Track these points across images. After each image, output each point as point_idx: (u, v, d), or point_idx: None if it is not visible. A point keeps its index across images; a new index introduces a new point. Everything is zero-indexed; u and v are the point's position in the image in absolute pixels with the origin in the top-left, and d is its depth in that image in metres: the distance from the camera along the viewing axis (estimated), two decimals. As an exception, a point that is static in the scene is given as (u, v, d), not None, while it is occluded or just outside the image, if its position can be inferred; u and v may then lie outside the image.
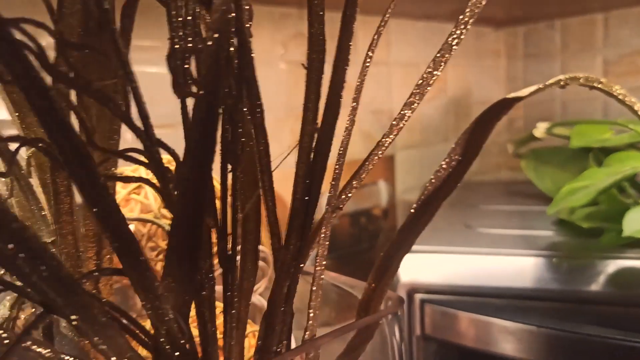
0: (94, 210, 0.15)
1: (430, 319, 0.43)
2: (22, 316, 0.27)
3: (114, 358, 0.16)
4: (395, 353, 0.25)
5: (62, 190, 0.19)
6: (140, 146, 0.16)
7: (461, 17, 0.22)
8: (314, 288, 0.21)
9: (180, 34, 0.16)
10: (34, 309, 0.28)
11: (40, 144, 0.15)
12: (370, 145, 0.23)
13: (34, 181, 0.21)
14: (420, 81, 0.23)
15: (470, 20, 0.23)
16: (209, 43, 0.14)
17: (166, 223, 0.24)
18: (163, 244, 0.25)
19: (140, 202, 0.24)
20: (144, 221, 0.24)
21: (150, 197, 0.24)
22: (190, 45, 0.17)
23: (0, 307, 0.27)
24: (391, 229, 0.84)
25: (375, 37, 0.21)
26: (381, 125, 0.81)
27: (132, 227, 0.29)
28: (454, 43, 0.23)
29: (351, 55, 0.19)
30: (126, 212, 0.24)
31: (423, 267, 0.43)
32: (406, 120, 0.24)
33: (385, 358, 0.25)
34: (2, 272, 0.21)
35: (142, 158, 0.17)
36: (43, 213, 0.21)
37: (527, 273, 0.41)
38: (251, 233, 0.21)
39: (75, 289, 0.15)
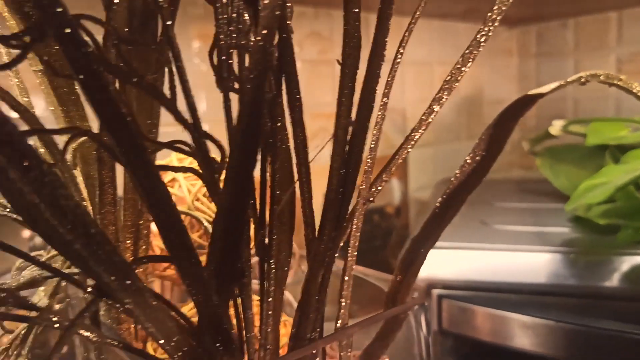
0: (148, 199, 0.15)
1: (447, 313, 0.43)
2: (57, 306, 0.28)
3: (162, 341, 0.17)
4: (422, 343, 0.26)
5: (107, 182, 0.20)
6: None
7: (489, 14, 0.23)
8: (346, 278, 0.22)
9: (226, 30, 0.17)
10: (68, 299, 0.29)
11: (92, 136, 0.16)
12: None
13: (76, 172, 0.22)
14: (449, 77, 0.24)
15: (498, 18, 0.23)
16: (258, 39, 0.15)
17: (200, 215, 0.25)
18: (196, 236, 0.26)
19: (174, 195, 0.25)
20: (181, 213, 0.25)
21: (185, 190, 0.25)
22: (234, 41, 0.17)
23: (35, 297, 0.28)
24: (404, 226, 0.84)
25: (407, 34, 0.22)
26: (394, 123, 0.81)
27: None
28: (482, 40, 0.24)
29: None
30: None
31: (440, 262, 0.44)
32: (434, 116, 0.24)
33: (412, 348, 0.25)
34: (46, 256, 0.22)
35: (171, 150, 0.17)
36: (84, 204, 0.22)
37: (544, 269, 0.41)
38: (285, 224, 0.21)
39: (129, 274, 0.15)
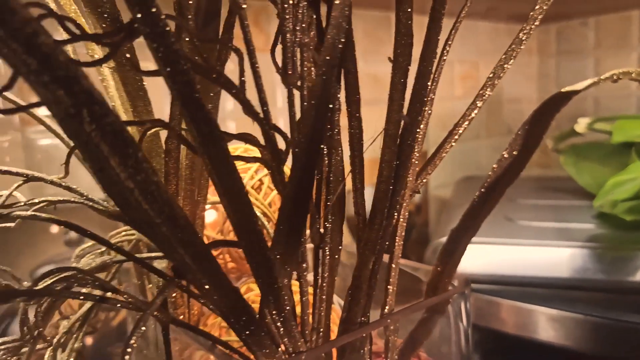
0: (222, 185, 0.17)
1: (474, 307, 0.44)
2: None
3: (232, 319, 0.18)
4: (461, 334, 0.26)
5: (172, 173, 0.21)
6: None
7: (532, 13, 0.24)
8: (393, 265, 0.23)
9: (291, 28, 0.18)
10: (121, 285, 0.30)
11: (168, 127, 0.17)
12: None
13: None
14: (492, 74, 0.25)
15: (540, 17, 0.24)
16: (329, 36, 0.16)
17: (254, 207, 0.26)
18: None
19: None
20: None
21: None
22: (298, 39, 0.18)
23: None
24: (424, 223, 0.85)
25: (453, 31, 0.23)
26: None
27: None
28: (524, 38, 0.24)
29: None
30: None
31: (468, 257, 0.44)
32: (477, 111, 0.25)
33: (456, 336, 0.26)
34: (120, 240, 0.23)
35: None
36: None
37: (570, 263, 0.42)
38: (336, 214, 0.22)
39: (207, 256, 0.16)
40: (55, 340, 0.23)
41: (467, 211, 0.26)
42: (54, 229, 0.58)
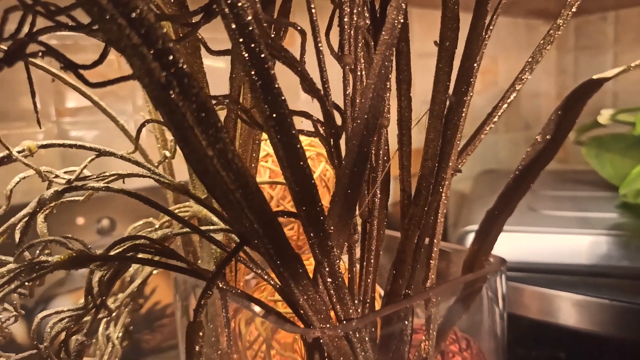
0: (287, 159, 0.18)
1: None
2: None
3: (293, 284, 0.19)
4: (497, 310, 0.28)
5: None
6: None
7: (563, 10, 0.25)
8: (435, 241, 0.24)
9: (348, 11, 0.19)
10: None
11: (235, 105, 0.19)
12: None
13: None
14: (530, 59, 0.26)
15: (572, 11, 0.25)
16: (389, 17, 0.17)
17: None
18: (288, 206, 0.28)
19: (269, 169, 0.28)
20: (275, 183, 0.27)
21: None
22: (354, 22, 0.19)
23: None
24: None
25: (491, 28, 0.24)
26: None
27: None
28: (555, 34, 0.25)
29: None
30: (257, 178, 0.27)
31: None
32: (515, 96, 0.26)
33: (491, 314, 0.27)
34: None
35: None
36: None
37: (595, 251, 0.43)
38: (383, 192, 0.23)
39: (273, 222, 0.18)
40: (114, 307, 0.24)
41: (502, 193, 0.27)
42: (80, 220, 0.60)
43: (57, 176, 0.20)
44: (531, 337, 0.46)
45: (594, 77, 0.25)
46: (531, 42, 0.95)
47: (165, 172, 0.26)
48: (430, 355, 0.24)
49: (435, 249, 0.24)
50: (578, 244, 0.43)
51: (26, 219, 0.19)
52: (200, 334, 0.17)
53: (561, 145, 0.27)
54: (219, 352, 0.27)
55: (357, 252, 0.23)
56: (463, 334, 0.28)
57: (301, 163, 0.18)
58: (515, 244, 0.45)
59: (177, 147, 0.25)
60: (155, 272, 0.30)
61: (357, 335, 0.21)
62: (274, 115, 0.17)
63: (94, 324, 0.24)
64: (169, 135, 0.26)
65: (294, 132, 0.17)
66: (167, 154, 0.25)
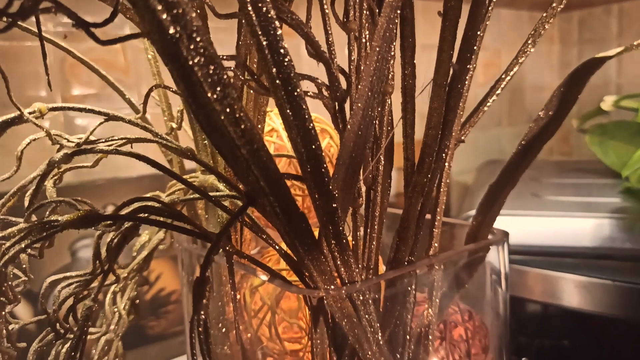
0: (296, 122, 0.18)
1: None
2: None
3: (297, 241, 0.19)
4: (499, 281, 0.28)
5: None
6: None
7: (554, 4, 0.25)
8: (438, 209, 0.24)
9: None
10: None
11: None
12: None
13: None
14: (530, 35, 0.26)
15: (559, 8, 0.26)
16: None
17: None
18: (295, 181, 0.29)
19: (273, 143, 0.28)
20: (280, 156, 0.28)
21: (285, 139, 0.28)
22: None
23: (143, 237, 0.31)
24: (446, 208, 0.86)
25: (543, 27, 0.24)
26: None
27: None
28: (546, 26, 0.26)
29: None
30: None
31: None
32: (512, 75, 0.27)
33: (494, 285, 0.28)
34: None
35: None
36: (205, 141, 0.25)
37: (598, 233, 0.43)
38: (387, 160, 0.24)
39: (279, 180, 0.18)
40: (122, 277, 0.25)
41: (506, 167, 0.28)
42: (85, 207, 0.60)
43: (67, 140, 0.20)
44: (535, 325, 0.46)
45: (597, 55, 0.26)
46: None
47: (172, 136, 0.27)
48: (433, 322, 0.24)
49: (439, 217, 0.25)
50: (581, 226, 0.44)
51: (36, 181, 0.20)
52: (207, 288, 0.17)
53: (563, 121, 0.27)
54: (226, 322, 0.27)
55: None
56: (465, 306, 0.29)
57: (307, 124, 0.18)
58: (518, 227, 0.46)
59: (183, 120, 0.25)
60: (162, 246, 0.31)
61: (361, 297, 0.21)
62: (280, 75, 0.17)
63: (102, 291, 0.24)
64: (175, 108, 0.26)
65: (299, 91, 0.18)
66: (174, 125, 0.25)
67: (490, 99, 0.27)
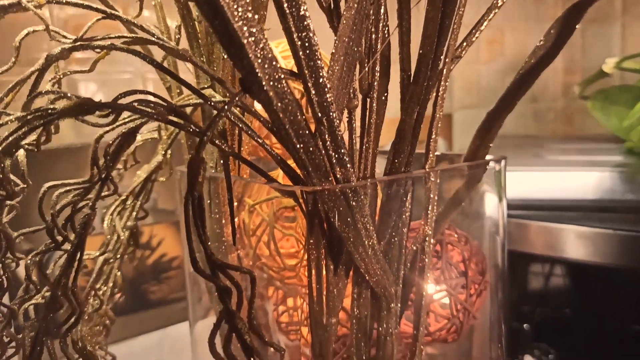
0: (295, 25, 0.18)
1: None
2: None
3: (292, 132, 0.19)
4: (501, 209, 0.28)
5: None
6: None
7: None
8: (437, 115, 0.25)
9: None
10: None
11: None
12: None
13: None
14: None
15: None
16: None
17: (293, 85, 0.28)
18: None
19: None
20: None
21: (280, 61, 0.28)
22: None
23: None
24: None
25: None
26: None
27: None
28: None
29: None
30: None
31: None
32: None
33: (491, 208, 0.28)
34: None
35: None
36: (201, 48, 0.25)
37: (600, 186, 0.43)
38: (383, 65, 0.24)
39: (272, 62, 0.18)
40: (127, 191, 0.25)
41: (504, 95, 0.28)
42: (82, 169, 0.61)
43: (64, 36, 0.21)
44: (536, 295, 0.46)
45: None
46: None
47: (170, 67, 0.27)
48: (429, 236, 0.24)
49: (435, 130, 0.25)
50: (582, 180, 0.44)
51: (35, 75, 0.20)
52: (202, 166, 0.17)
53: (560, 50, 0.27)
54: (224, 243, 0.27)
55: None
56: (462, 232, 0.29)
57: (307, 32, 0.18)
58: (519, 182, 0.45)
59: (180, 35, 0.26)
60: (161, 178, 0.31)
61: (356, 198, 0.21)
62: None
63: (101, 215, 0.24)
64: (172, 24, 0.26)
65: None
66: (172, 43, 0.25)
67: (492, 12, 0.27)
